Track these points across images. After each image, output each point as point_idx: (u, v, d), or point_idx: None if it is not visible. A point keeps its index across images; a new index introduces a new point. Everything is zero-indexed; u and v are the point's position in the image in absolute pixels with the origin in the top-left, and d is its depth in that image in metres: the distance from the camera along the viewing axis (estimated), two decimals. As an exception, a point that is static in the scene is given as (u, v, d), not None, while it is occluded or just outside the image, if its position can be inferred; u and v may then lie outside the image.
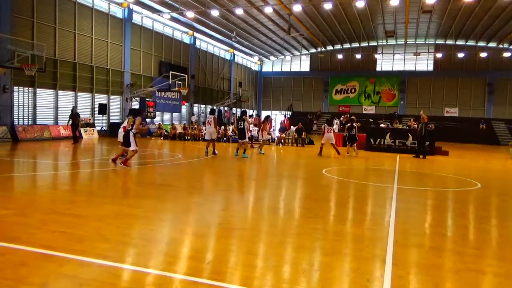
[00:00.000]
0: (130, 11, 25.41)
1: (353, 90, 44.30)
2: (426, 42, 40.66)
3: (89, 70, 22.84)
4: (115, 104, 25.23)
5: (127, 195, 7.38)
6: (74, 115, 17.42)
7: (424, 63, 41.75)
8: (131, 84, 25.67)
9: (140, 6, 25.79)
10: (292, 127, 24.35)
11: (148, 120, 26.28)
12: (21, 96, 19.10)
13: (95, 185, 8.55)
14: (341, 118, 37.52)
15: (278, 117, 42.90)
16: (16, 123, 18.65)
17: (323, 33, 37.20)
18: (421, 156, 16.76)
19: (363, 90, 43.81)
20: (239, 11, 26.72)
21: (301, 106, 45.20)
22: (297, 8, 26.65)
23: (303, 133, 22.50)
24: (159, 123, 26.89)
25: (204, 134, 15.73)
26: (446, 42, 39.87)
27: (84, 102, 22.92)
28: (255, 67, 47.72)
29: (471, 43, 38.83)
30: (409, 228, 5.58)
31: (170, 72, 26.73)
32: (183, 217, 5.82)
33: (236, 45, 38.00)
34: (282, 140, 22.65)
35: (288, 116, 39.87)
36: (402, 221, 5.85)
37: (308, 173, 11.76)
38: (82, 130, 21.67)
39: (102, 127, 23.73)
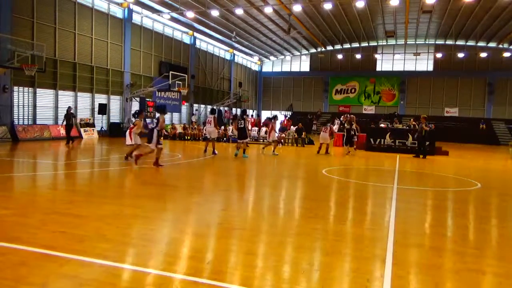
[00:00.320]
0: (130, 11, 25.41)
1: (353, 90, 44.31)
2: (426, 42, 40.67)
3: (89, 70, 22.85)
4: (115, 104, 25.24)
5: (127, 195, 7.38)
6: (69, 115, 17.14)
7: (424, 63, 41.76)
8: (131, 84, 25.67)
9: (140, 6, 25.79)
10: (292, 127, 24.36)
11: (148, 120, 26.29)
12: (21, 96, 19.10)
13: (95, 185, 8.54)
14: (341, 118, 37.52)
15: (278, 117, 42.93)
16: (16, 123, 18.65)
17: (323, 33, 37.21)
18: (421, 156, 16.77)
19: (363, 90, 43.83)
20: (239, 11, 26.72)
21: (301, 106, 45.21)
22: (297, 8, 26.66)
23: (303, 133, 22.51)
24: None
25: (204, 134, 15.78)
26: (446, 42, 39.88)
27: (84, 102, 22.92)
28: (255, 67, 47.73)
29: (471, 43, 38.84)
30: (409, 228, 5.58)
31: (170, 72, 26.74)
32: (183, 217, 5.83)
33: (236, 45, 38.00)
34: (282, 140, 22.65)
35: (288, 116, 39.87)
36: (402, 221, 5.85)
37: (308, 173, 11.77)
38: (82, 130, 21.71)
39: (102, 127, 23.74)
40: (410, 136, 19.21)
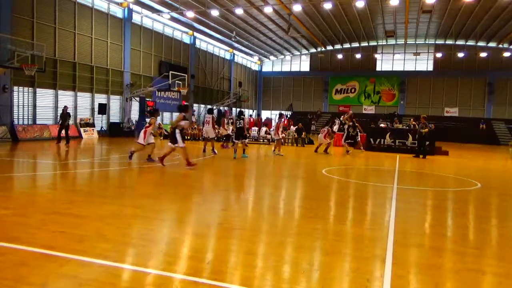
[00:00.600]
0: (130, 11, 25.41)
1: (353, 90, 44.31)
2: (426, 42, 40.68)
3: (89, 70, 22.85)
4: (115, 104, 25.24)
5: (127, 195, 7.37)
6: (65, 115, 16.86)
7: (424, 63, 41.77)
8: (131, 84, 25.67)
9: (140, 6, 25.79)
10: (292, 127, 24.37)
11: (148, 120, 26.27)
12: (21, 96, 19.10)
13: (95, 185, 8.54)
14: (341, 118, 37.45)
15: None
16: (16, 123, 18.65)
17: (323, 33, 37.21)
18: (421, 156, 16.77)
19: (363, 90, 43.83)
20: (239, 11, 26.72)
21: (301, 106, 45.21)
22: (297, 8, 26.66)
23: (303, 133, 22.51)
24: (159, 123, 26.86)
25: (203, 134, 15.76)
26: (446, 42, 39.88)
27: (84, 102, 22.92)
28: (255, 67, 47.73)
29: (471, 43, 38.85)
30: (409, 228, 5.58)
31: (170, 72, 26.75)
32: (183, 217, 5.83)
33: (236, 45, 38.00)
34: (282, 140, 22.64)
35: (288, 116, 39.88)
36: (402, 221, 5.85)
37: (307, 173, 11.77)
38: (82, 130, 21.71)
39: (102, 127, 23.74)
40: (410, 136, 19.21)
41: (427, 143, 17.29)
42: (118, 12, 24.90)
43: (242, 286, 3.35)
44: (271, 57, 46.91)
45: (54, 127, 20.37)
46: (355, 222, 5.88)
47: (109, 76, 24.21)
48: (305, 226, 5.39)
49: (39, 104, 20.08)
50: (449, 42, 39.71)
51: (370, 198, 7.99)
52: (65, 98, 21.48)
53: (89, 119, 22.77)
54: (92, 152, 15.64)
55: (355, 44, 42.19)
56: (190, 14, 26.07)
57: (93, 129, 22.46)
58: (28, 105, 19.57)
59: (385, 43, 42.11)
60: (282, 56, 46.75)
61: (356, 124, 18.70)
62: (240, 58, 42.77)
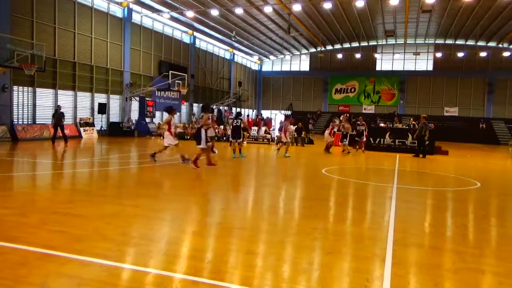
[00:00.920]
0: (130, 11, 25.39)
1: (352, 90, 44.31)
2: (426, 42, 40.67)
3: (89, 70, 22.83)
4: (114, 103, 25.22)
5: (127, 195, 7.37)
6: (59, 115, 16.52)
7: (424, 63, 41.76)
8: (131, 84, 25.66)
9: (139, 5, 25.77)
10: (291, 126, 24.32)
11: (147, 120, 26.29)
12: (20, 95, 19.09)
13: (95, 184, 8.54)
14: (341, 118, 37.44)
15: (278, 116, 42.91)
16: (16, 122, 18.64)
17: (323, 32, 37.19)
18: (420, 156, 16.78)
19: (363, 89, 43.82)
20: (238, 11, 26.70)
21: (300, 106, 45.18)
22: (296, 7, 26.63)
23: (303, 133, 22.50)
24: (159, 123, 26.85)
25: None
26: (446, 42, 39.87)
27: (84, 102, 22.91)
28: (255, 67, 47.71)
29: (470, 42, 38.83)
30: (409, 227, 5.58)
31: (170, 71, 26.74)
32: (183, 216, 5.82)
33: (236, 44, 37.98)
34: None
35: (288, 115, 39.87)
36: (401, 221, 5.86)
37: (307, 172, 11.77)
38: (81, 129, 21.70)
39: (101, 127, 23.73)
40: (409, 135, 19.22)
41: (427, 142, 17.30)
42: (118, 11, 24.89)
43: (242, 285, 3.35)
44: (271, 57, 46.89)
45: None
46: (355, 221, 5.88)
47: (109, 75, 24.20)
48: (305, 225, 5.39)
49: (39, 104, 20.06)
50: (449, 41, 39.70)
51: (370, 198, 7.99)
52: (65, 97, 21.47)
53: (89, 118, 22.76)
54: (92, 152, 15.64)
55: (355, 44, 42.18)
56: (190, 13, 26.06)
57: (93, 129, 22.45)
58: (28, 105, 19.56)
59: (385, 43, 42.10)
60: (282, 56, 46.73)
61: (363, 123, 18.79)
62: (240, 57, 42.75)
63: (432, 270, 3.87)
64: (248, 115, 38.09)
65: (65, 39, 21.06)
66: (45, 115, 20.44)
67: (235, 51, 40.44)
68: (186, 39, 32.62)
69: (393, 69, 42.73)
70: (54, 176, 9.44)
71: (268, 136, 24.02)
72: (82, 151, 15.52)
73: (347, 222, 5.77)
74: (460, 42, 39.31)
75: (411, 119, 27.83)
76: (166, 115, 30.52)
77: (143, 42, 27.22)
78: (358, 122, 18.96)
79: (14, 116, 18.67)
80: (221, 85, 39.41)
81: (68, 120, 21.43)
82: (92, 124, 22.66)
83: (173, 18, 28.58)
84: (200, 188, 8.44)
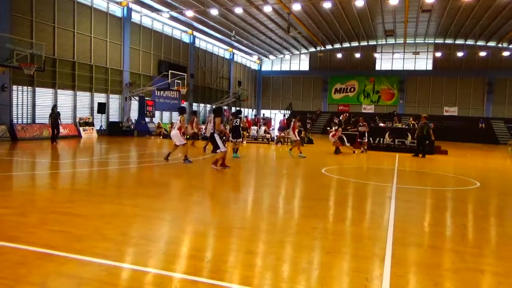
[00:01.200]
0: (129, 10, 25.38)
1: (352, 89, 44.31)
2: (425, 41, 40.67)
3: (88, 69, 22.82)
4: (114, 103, 25.21)
5: (127, 194, 7.37)
6: (56, 114, 16.65)
7: (423, 62, 41.76)
8: (130, 83, 25.65)
9: (139, 5, 25.76)
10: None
11: (147, 119, 26.28)
12: (20, 95, 19.07)
13: (94, 184, 8.54)
14: (341, 117, 37.45)
15: (278, 116, 42.99)
16: (15, 122, 18.62)
17: (323, 32, 37.19)
18: (420, 155, 16.78)
19: (363, 89, 43.82)
20: (238, 10, 26.69)
21: (300, 105, 45.18)
22: (296, 7, 26.63)
23: (302, 132, 22.48)
24: (158, 122, 26.86)
25: (204, 133, 15.66)
26: (445, 41, 39.88)
27: (83, 101, 22.90)
28: (255, 66, 47.70)
29: (470, 42, 38.85)
30: (408, 227, 5.58)
31: (169, 71, 26.71)
32: (183, 216, 5.82)
33: (236, 44, 37.97)
34: (282, 139, 22.67)
35: (288, 115, 39.86)
36: (401, 220, 5.86)
37: (307, 172, 11.76)
38: (81, 129, 21.70)
39: (101, 126, 23.72)
40: (409, 135, 19.22)
41: (427, 142, 17.30)
42: (117, 11, 24.87)
43: (241, 285, 3.35)
44: (271, 56, 46.89)
45: (53, 126, 20.39)
46: (355, 221, 5.89)
47: (108, 75, 24.19)
48: (305, 225, 5.40)
49: (39, 104, 20.05)
50: (448, 41, 39.70)
51: (370, 197, 8.00)
52: (65, 97, 21.46)
53: (89, 118, 22.75)
54: (91, 151, 15.63)
55: (355, 43, 42.18)
56: (190, 13, 26.04)
57: (92, 128, 22.45)
58: (27, 104, 19.55)
59: (384, 43, 42.10)
60: (282, 55, 46.72)
61: (364, 123, 18.83)
62: (239, 57, 42.74)
63: (432, 270, 3.87)
64: (246, 116, 38.05)
65: (64, 38, 21.05)
66: (44, 115, 20.39)
67: (234, 51, 40.43)
68: (186, 38, 32.61)
69: (393, 68, 42.74)
70: (53, 175, 9.43)
71: (268, 135, 24.03)
72: (82, 151, 15.51)
73: (347, 222, 5.78)
74: (459, 41, 39.32)
75: (411, 118, 27.86)
76: (165, 115, 30.55)
77: (143, 41, 27.20)
78: (360, 123, 19.01)
79: (13, 116, 18.66)
80: (221, 84, 39.40)
81: (67, 119, 21.45)
82: (91, 124, 22.66)
83: (172, 18, 28.56)
84: (199, 188, 8.44)
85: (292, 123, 15.73)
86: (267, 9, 26.67)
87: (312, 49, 44.79)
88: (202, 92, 35.58)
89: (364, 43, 42.07)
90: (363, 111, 42.33)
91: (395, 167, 12.83)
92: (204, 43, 35.59)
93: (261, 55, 45.58)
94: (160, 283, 3.33)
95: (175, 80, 26.78)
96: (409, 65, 42.24)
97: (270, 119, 39.70)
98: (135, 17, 26.32)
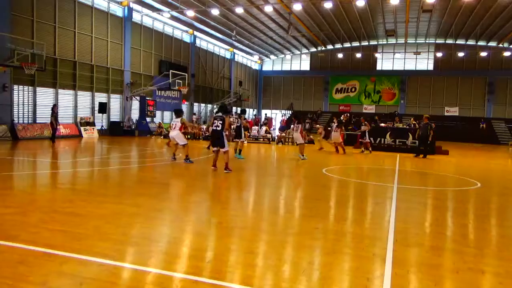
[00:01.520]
0: (130, 10, 25.39)
1: (353, 89, 44.27)
2: (426, 41, 40.62)
3: (89, 69, 22.84)
4: (115, 103, 25.23)
5: (127, 194, 7.37)
6: (56, 113, 16.84)
7: (424, 62, 41.71)
8: (131, 83, 25.66)
9: (140, 4, 25.77)
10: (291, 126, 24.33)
11: (148, 119, 26.30)
12: (21, 94, 19.09)
13: (95, 183, 8.54)
14: (341, 117, 37.41)
15: (278, 116, 43.00)
16: (16, 121, 18.64)
17: (323, 32, 37.15)
18: (421, 156, 16.76)
19: (363, 89, 43.78)
20: (239, 10, 26.69)
21: (301, 105, 45.16)
22: (297, 7, 26.60)
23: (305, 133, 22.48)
24: (159, 122, 26.89)
25: (206, 133, 15.65)
26: (446, 42, 39.83)
27: (84, 101, 22.92)
28: (255, 66, 47.69)
29: (471, 42, 38.79)
30: (409, 227, 5.57)
31: (170, 71, 26.74)
32: (183, 216, 5.82)
33: (236, 44, 37.96)
34: (282, 139, 22.67)
35: (289, 115, 39.88)
36: (402, 220, 5.85)
37: (308, 172, 11.76)
38: (82, 129, 21.71)
39: (102, 126, 23.73)
40: (410, 135, 19.20)
41: (428, 141, 17.27)
42: (118, 10, 24.88)
43: (242, 285, 3.34)
44: (272, 56, 46.87)
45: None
46: (355, 221, 5.88)
47: (109, 75, 24.20)
48: (306, 225, 5.39)
49: (39, 103, 20.06)
50: (449, 41, 39.65)
51: (371, 198, 7.99)
52: (65, 97, 21.48)
53: (90, 118, 22.77)
54: (92, 151, 15.63)
55: (356, 43, 42.15)
56: (191, 13, 26.05)
57: (93, 128, 22.46)
58: (28, 104, 19.56)
59: (385, 42, 42.06)
60: (283, 55, 46.70)
61: (365, 123, 18.83)
62: (240, 57, 42.74)
63: (433, 270, 3.86)
64: (245, 118, 38.00)
65: (65, 38, 21.06)
66: (45, 114, 20.43)
67: (235, 51, 40.43)
68: (187, 38, 32.61)
69: (394, 68, 42.69)
70: (54, 175, 9.44)
71: (269, 135, 24.02)
72: (83, 150, 15.52)
73: (348, 222, 5.77)
74: (460, 41, 39.27)
75: (412, 118, 27.84)
76: (166, 115, 30.56)
77: (144, 41, 27.21)
78: (362, 123, 19.03)
79: (14, 115, 18.67)
80: (222, 84, 39.40)
81: (68, 119, 21.48)
82: (92, 124, 22.68)
83: (173, 17, 28.57)
84: (200, 188, 8.43)
85: (297, 125, 14.98)
86: (268, 9, 26.66)
87: (313, 49, 44.76)
88: (203, 92, 35.58)
89: (365, 43, 42.03)
90: (364, 111, 42.27)
91: (396, 168, 12.82)
92: (205, 43, 35.59)
93: (262, 55, 45.57)
94: (161, 283, 3.33)
95: (176, 80, 26.81)
96: (410, 65, 42.19)
97: (271, 119, 39.69)
98: (136, 17, 26.33)
